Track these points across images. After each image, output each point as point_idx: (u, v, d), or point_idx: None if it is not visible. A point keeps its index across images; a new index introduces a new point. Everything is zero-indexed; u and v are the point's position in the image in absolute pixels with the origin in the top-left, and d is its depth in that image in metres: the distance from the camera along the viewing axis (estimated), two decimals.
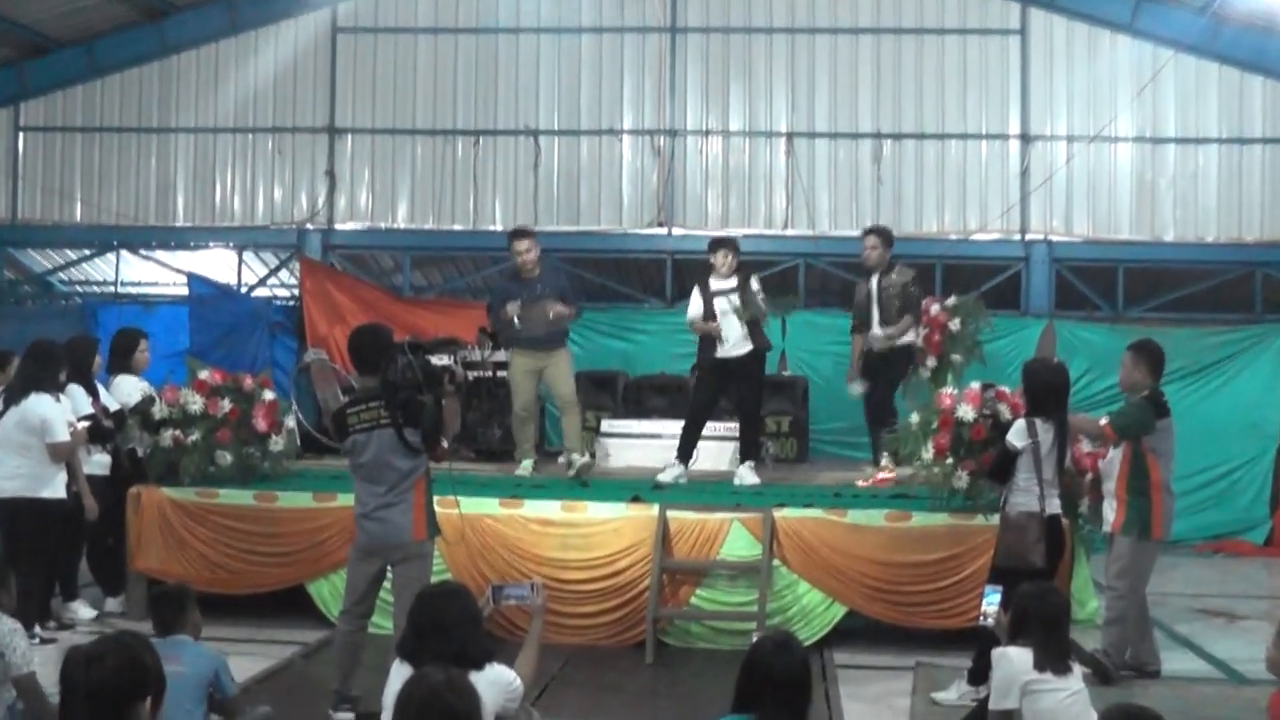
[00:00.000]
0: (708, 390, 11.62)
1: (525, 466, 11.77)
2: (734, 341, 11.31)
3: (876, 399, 11.61)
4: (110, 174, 17.98)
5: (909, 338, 11.45)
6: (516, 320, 11.54)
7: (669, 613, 9.85)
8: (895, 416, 10.88)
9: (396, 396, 7.39)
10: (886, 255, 11.61)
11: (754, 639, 5.15)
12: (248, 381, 10.97)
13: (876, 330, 11.45)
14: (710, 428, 12.25)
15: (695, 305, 11.50)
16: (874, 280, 11.56)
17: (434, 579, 7.68)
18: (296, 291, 17.41)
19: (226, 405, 10.66)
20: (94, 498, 9.94)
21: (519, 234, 11.98)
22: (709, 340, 11.36)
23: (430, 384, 7.39)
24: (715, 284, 11.41)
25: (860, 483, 11.22)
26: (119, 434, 10.57)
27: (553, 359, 11.72)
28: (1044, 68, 16.69)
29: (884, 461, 11.24)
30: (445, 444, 7.54)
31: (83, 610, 10.41)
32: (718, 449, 12.48)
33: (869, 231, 11.92)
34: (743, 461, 11.50)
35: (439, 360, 7.63)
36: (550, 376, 11.77)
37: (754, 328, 11.28)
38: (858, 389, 11.87)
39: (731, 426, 12.25)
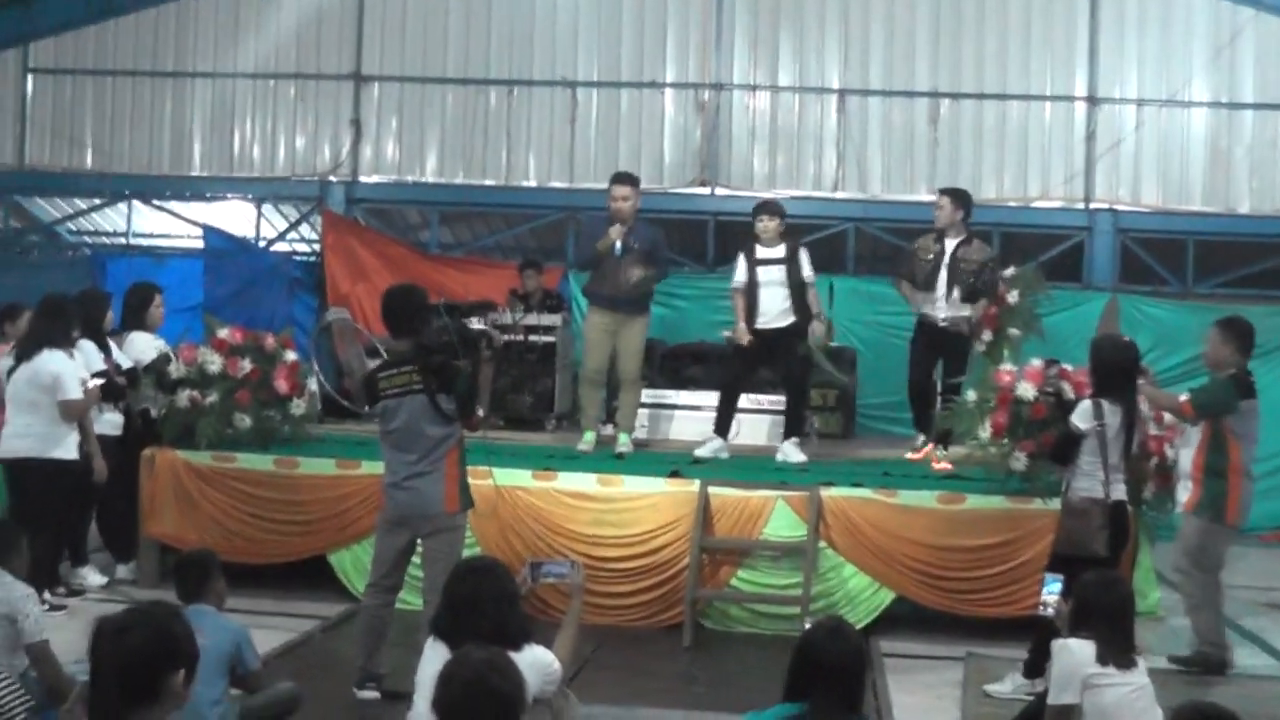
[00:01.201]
0: (742, 361, 11.59)
1: (587, 440, 11.53)
2: (775, 313, 11.30)
3: (924, 368, 11.58)
4: (123, 120, 18.07)
5: (964, 312, 11.35)
6: (619, 244, 11.18)
7: (708, 594, 9.90)
8: (956, 394, 10.84)
9: (431, 361, 7.44)
10: (957, 218, 11.38)
11: (806, 625, 5.18)
12: (269, 341, 11.01)
13: (942, 304, 11.32)
14: (752, 400, 12.30)
15: (740, 273, 11.47)
16: (949, 245, 11.37)
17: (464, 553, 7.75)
18: (317, 247, 17.43)
19: (247, 365, 10.72)
20: (105, 459, 10.02)
21: (620, 179, 11.54)
22: (750, 310, 11.33)
23: (466, 348, 7.45)
24: (761, 251, 11.40)
25: (910, 456, 11.22)
26: (132, 393, 10.64)
27: (630, 325, 11.43)
28: (1114, 25, 16.57)
29: (938, 452, 11.18)
30: (481, 412, 7.59)
31: (92, 576, 10.52)
32: (760, 422, 12.52)
33: (942, 191, 11.79)
34: (787, 438, 11.50)
35: (475, 324, 7.64)
36: (621, 344, 11.46)
37: (800, 300, 11.27)
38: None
39: (775, 400, 12.28)
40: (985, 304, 11.20)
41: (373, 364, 12.97)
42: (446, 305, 7.58)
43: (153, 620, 4.07)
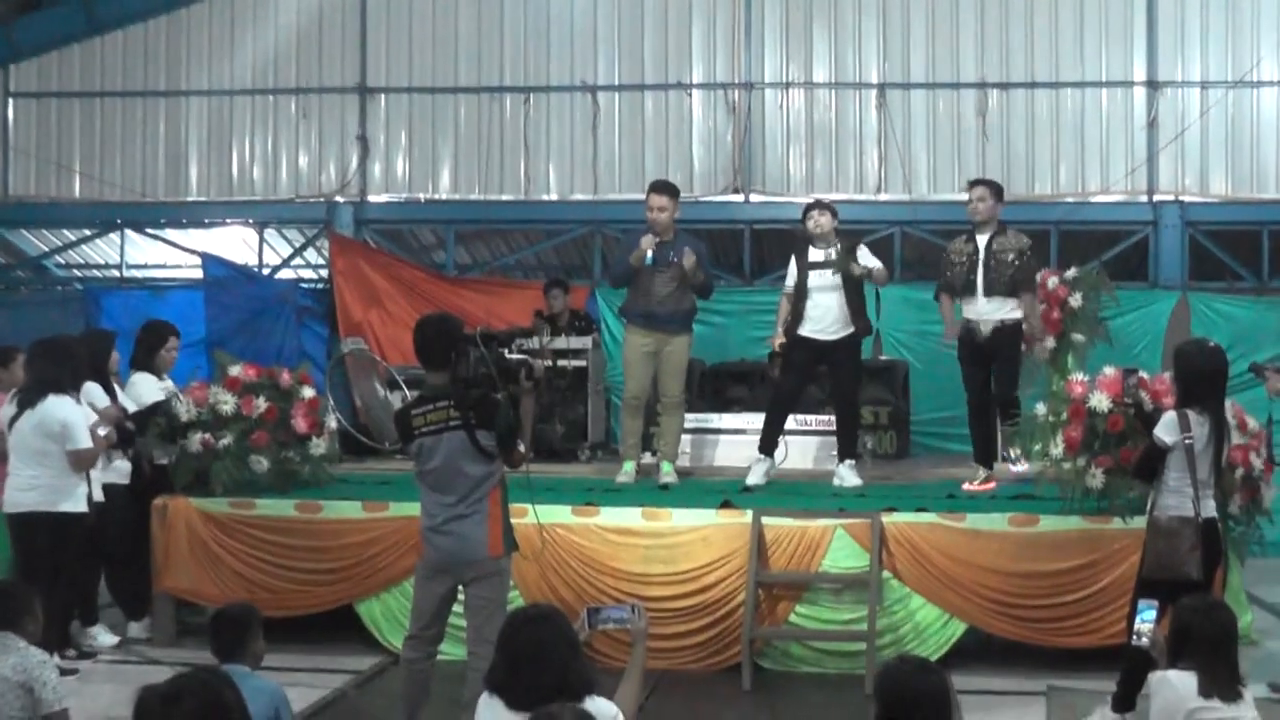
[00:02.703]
0: (794, 375, 11.52)
1: (627, 470, 11.61)
2: (829, 322, 11.23)
3: (978, 386, 11.31)
4: (113, 144, 18.18)
5: (1016, 315, 11.21)
6: (650, 254, 11.17)
7: (766, 632, 9.91)
8: (1016, 408, 10.80)
9: (468, 395, 7.46)
10: (997, 211, 11.22)
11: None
12: (285, 377, 11.02)
13: (984, 305, 11.13)
14: (802, 420, 12.30)
15: (791, 277, 11.45)
16: (981, 241, 11.15)
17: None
18: (326, 272, 17.60)
19: (262, 404, 10.71)
20: (113, 509, 10.12)
21: (658, 187, 11.56)
22: (797, 317, 11.30)
23: (505, 380, 7.47)
24: (813, 253, 11.35)
25: (967, 486, 11.17)
26: (140, 440, 10.67)
27: (672, 344, 11.48)
28: (1174, 3, 16.57)
29: (1009, 465, 11.13)
30: (523, 448, 7.61)
31: (104, 636, 10.55)
32: (808, 444, 12.53)
33: (976, 182, 11.51)
34: (842, 460, 11.49)
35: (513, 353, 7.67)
36: (663, 365, 11.52)
37: (856, 303, 11.21)
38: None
39: (822, 419, 12.29)
40: (1029, 298, 11.11)
41: (389, 396, 13.13)
42: (483, 334, 7.54)
43: (204, 688, 4.08)
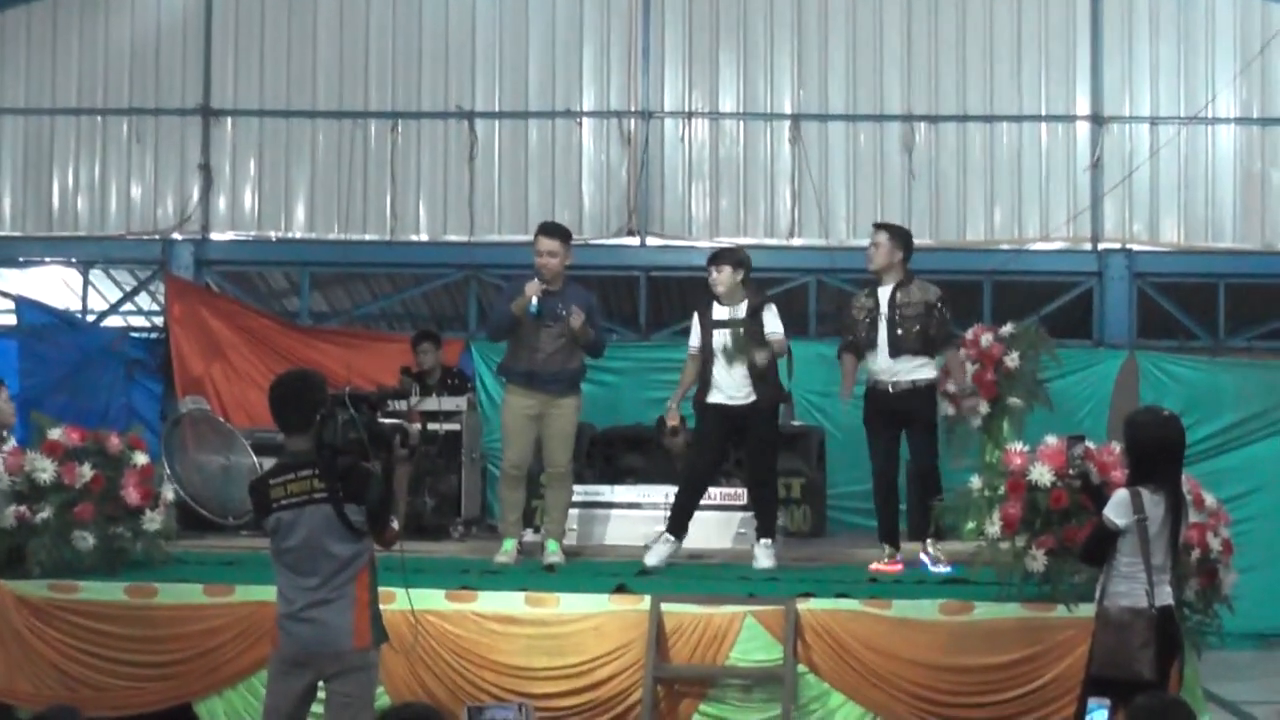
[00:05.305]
0: (709, 445, 11.60)
1: (507, 550, 11.57)
2: (733, 387, 11.32)
3: (887, 454, 11.50)
4: None
5: (928, 374, 11.37)
6: (535, 301, 11.23)
7: None
8: (936, 481, 10.91)
9: (335, 464, 7.44)
10: (896, 259, 11.37)
11: None
12: (113, 441, 10.93)
13: (885, 362, 11.26)
14: (708, 494, 12.33)
15: (694, 336, 11.57)
16: (884, 294, 11.35)
17: None
18: (160, 320, 17.48)
19: (87, 473, 10.60)
20: None
21: (548, 230, 11.66)
22: (704, 383, 11.42)
23: (378, 447, 7.45)
24: (717, 310, 11.48)
25: (874, 567, 11.27)
26: None
27: (557, 408, 11.54)
28: (1121, 30, 16.90)
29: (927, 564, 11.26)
30: (395, 524, 7.59)
31: None
32: (714, 520, 12.53)
33: (878, 226, 11.79)
34: (760, 539, 11.56)
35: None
36: (547, 431, 11.56)
37: (755, 373, 11.30)
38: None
39: (733, 493, 12.34)
40: (951, 355, 11.29)
41: (231, 462, 13.05)
42: (351, 395, 7.54)
43: None
